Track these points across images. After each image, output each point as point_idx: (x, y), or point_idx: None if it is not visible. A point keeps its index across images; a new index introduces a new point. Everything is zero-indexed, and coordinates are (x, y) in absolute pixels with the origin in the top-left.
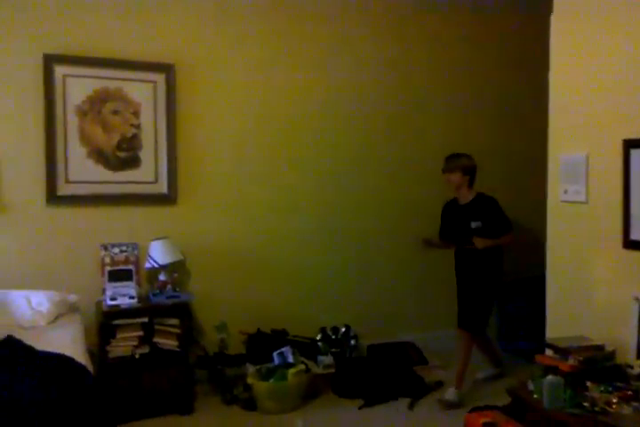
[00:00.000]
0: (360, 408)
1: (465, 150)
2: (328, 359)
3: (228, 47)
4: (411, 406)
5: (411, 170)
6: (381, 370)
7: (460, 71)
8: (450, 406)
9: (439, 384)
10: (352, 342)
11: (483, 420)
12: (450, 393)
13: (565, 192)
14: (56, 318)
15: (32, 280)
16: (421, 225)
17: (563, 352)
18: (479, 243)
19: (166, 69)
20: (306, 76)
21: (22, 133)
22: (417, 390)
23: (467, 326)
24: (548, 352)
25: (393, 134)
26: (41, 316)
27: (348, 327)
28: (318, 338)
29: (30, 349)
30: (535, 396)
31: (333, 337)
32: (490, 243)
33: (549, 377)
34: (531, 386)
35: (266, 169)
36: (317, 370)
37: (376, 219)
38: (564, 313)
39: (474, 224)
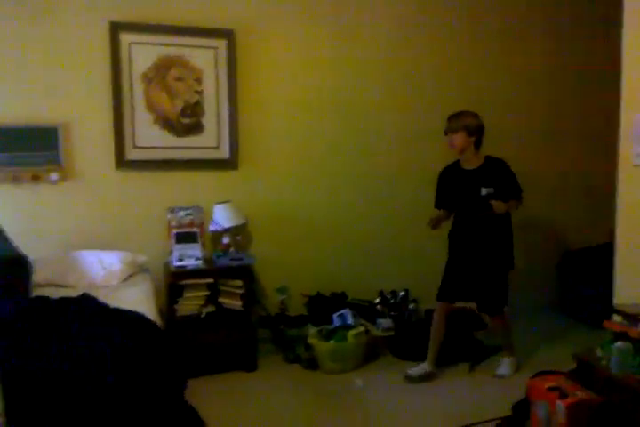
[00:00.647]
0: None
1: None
2: (387, 322)
3: (289, 13)
4: (471, 370)
5: None
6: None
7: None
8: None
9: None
10: (411, 305)
11: (547, 384)
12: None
13: (639, 155)
14: (127, 278)
15: (103, 242)
16: None
17: (632, 319)
18: (500, 207)
19: (227, 35)
20: (369, 48)
21: (91, 101)
22: (476, 354)
23: (499, 309)
24: (616, 318)
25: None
26: (113, 275)
27: (406, 291)
28: (377, 301)
29: (104, 306)
30: (603, 362)
31: (392, 301)
32: (511, 206)
33: (618, 343)
34: (599, 352)
35: (326, 134)
36: (376, 332)
37: None
38: (632, 279)
39: (485, 191)
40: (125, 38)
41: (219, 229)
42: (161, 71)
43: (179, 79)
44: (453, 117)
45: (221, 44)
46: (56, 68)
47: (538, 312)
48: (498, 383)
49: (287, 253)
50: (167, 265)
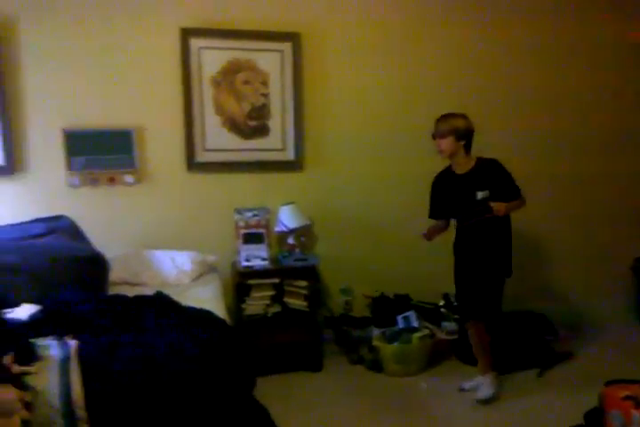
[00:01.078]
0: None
1: None
2: (451, 325)
3: (354, 16)
4: (540, 375)
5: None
6: (507, 338)
7: None
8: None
9: (569, 355)
10: None
11: (622, 393)
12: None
13: None
14: (197, 277)
15: (174, 242)
16: None
17: None
18: (501, 208)
19: (293, 38)
20: (438, 48)
21: (163, 105)
22: (546, 360)
23: (477, 314)
24: None
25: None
26: (184, 274)
27: None
28: (441, 304)
29: (177, 304)
30: None
31: (456, 304)
32: (512, 206)
33: None
34: None
35: (390, 137)
36: (441, 335)
37: None
38: None
39: (480, 194)
40: (195, 43)
41: (284, 230)
42: (229, 75)
43: (246, 82)
44: (441, 120)
45: (287, 47)
46: (131, 74)
47: (613, 320)
48: (569, 390)
49: (351, 254)
50: (235, 265)
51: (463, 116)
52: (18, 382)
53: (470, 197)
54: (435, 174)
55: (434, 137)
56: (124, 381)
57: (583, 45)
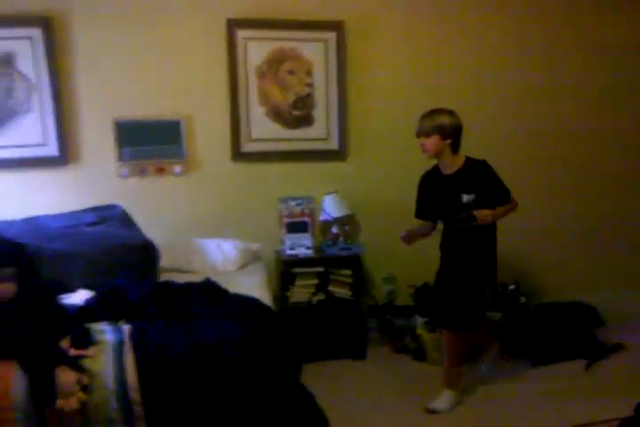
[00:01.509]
0: (534, 366)
1: None
2: (496, 316)
3: (399, 4)
4: (587, 368)
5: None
6: (553, 329)
7: None
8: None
9: (619, 347)
10: (522, 299)
11: None
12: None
13: None
14: (243, 265)
15: (220, 230)
16: None
17: None
18: (486, 217)
19: (337, 27)
20: (489, 35)
21: (210, 96)
22: (593, 352)
23: (454, 323)
24: None
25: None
26: (230, 262)
27: (517, 285)
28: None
29: (225, 291)
30: None
31: (502, 294)
32: (500, 213)
33: None
34: None
35: None
36: (486, 325)
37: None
38: None
39: (466, 198)
40: (241, 34)
41: (328, 219)
42: (274, 65)
43: (290, 72)
44: (425, 117)
45: (331, 36)
46: (179, 65)
47: None
48: (619, 382)
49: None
50: (279, 253)
51: (450, 113)
52: (75, 364)
53: (455, 200)
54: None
55: (417, 135)
56: (175, 365)
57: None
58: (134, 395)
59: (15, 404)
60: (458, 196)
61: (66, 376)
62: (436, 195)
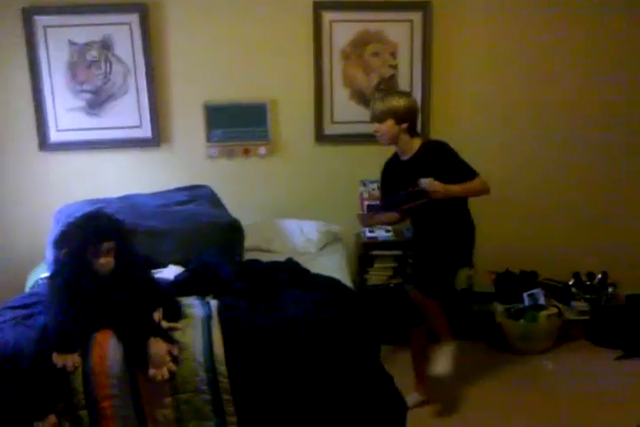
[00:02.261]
0: (617, 359)
1: None
2: (582, 305)
3: None
4: None
5: None
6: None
7: None
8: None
9: None
10: (609, 289)
11: None
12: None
13: None
14: (323, 247)
15: (302, 211)
16: None
17: None
18: (436, 189)
19: (423, 7)
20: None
21: (295, 79)
22: None
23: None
24: None
25: None
26: (311, 243)
27: (604, 274)
28: (571, 283)
29: (307, 271)
30: None
31: (588, 283)
32: (457, 189)
33: None
34: None
35: (521, 108)
36: (570, 315)
37: None
38: None
39: (423, 182)
40: (327, 17)
41: None
42: (358, 47)
43: (375, 54)
44: (378, 101)
45: (417, 16)
46: (266, 49)
47: None
48: None
49: (476, 227)
50: (359, 236)
51: (406, 95)
52: (167, 336)
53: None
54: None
55: (371, 121)
56: (260, 340)
57: None
58: (221, 367)
59: (111, 370)
60: (415, 180)
61: (158, 347)
62: (396, 183)
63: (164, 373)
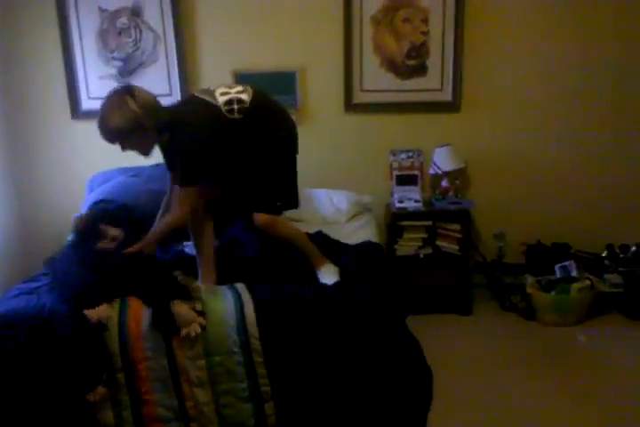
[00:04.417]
0: None
1: None
2: (616, 278)
3: None
4: None
5: None
6: None
7: None
8: None
9: None
10: None
11: None
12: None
13: None
14: (353, 217)
15: (331, 181)
16: None
17: None
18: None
19: None
20: None
21: (324, 46)
22: None
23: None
24: None
25: None
26: (341, 213)
27: (638, 246)
28: (604, 255)
29: (338, 242)
30: None
31: (622, 255)
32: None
33: None
34: None
35: (559, 83)
36: (603, 288)
37: None
38: None
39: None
40: None
41: (438, 172)
42: (389, 13)
43: (406, 20)
44: (100, 127)
45: None
46: (295, 16)
47: None
48: None
49: (507, 198)
50: (388, 206)
51: (119, 107)
52: (185, 295)
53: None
54: None
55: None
56: (290, 304)
57: None
58: (252, 329)
59: (145, 334)
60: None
61: (180, 307)
62: None
63: (195, 328)
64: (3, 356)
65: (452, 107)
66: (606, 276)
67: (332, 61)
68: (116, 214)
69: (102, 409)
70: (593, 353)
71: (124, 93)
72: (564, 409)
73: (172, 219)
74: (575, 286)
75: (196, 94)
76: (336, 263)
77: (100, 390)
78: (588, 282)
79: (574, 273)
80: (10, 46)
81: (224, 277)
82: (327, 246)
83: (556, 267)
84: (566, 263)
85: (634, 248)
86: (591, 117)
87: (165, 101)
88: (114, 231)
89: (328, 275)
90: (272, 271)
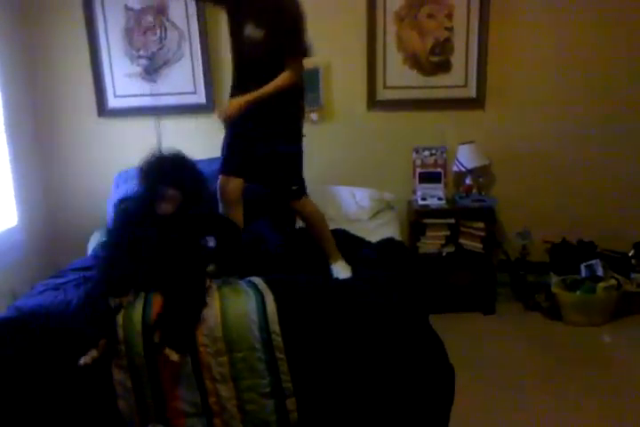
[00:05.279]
0: None
1: None
2: None
3: None
4: None
5: None
6: None
7: None
8: None
9: None
10: None
11: None
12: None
13: None
14: (375, 214)
15: (354, 178)
16: None
17: None
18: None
19: None
20: None
21: (348, 43)
22: None
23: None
24: None
25: None
26: (364, 210)
27: None
28: (631, 254)
29: (360, 238)
30: None
31: None
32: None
33: None
34: None
35: (584, 80)
36: (630, 287)
37: None
38: None
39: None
40: None
41: (462, 169)
42: (413, 9)
43: (430, 16)
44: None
45: None
46: (319, 12)
47: None
48: None
49: (531, 196)
50: (411, 204)
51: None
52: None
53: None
54: None
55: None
56: (312, 300)
57: None
58: (274, 326)
59: None
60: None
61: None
62: None
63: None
64: (30, 350)
65: (476, 103)
66: (633, 275)
67: (355, 58)
68: (173, 174)
69: (127, 404)
70: (619, 354)
71: None
72: (590, 411)
73: (282, 80)
74: (601, 285)
75: None
76: (357, 257)
77: (93, 353)
78: (614, 281)
79: (600, 272)
80: (37, 46)
81: (247, 272)
82: (347, 244)
83: (582, 266)
84: (592, 262)
85: None
86: (619, 116)
87: (190, 99)
88: (171, 192)
89: (341, 270)
90: (295, 269)
